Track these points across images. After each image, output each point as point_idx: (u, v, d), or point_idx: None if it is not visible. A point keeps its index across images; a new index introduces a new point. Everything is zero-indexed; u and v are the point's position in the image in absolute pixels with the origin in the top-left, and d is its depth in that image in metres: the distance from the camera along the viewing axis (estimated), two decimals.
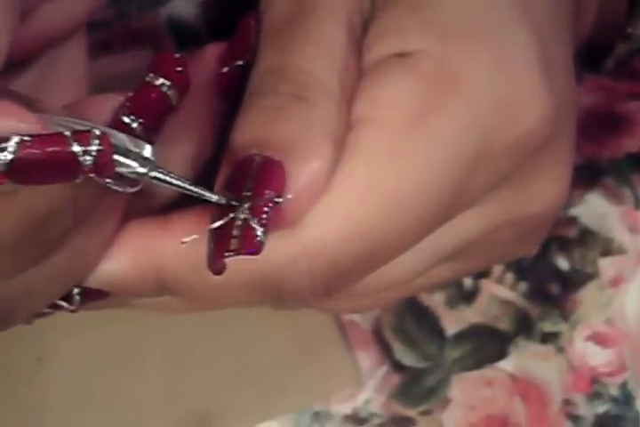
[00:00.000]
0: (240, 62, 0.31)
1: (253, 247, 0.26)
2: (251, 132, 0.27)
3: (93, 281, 0.28)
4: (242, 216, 0.26)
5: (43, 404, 0.41)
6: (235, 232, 0.26)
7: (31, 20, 0.29)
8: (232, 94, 0.31)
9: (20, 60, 0.30)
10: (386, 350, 0.43)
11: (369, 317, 0.43)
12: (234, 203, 0.26)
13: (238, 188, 0.26)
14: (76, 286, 0.28)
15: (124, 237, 0.28)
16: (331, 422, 0.42)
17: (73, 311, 0.29)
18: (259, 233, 0.26)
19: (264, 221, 0.26)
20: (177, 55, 0.29)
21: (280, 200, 0.26)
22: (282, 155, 0.26)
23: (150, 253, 0.28)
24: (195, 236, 0.27)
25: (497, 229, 0.31)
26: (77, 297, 0.28)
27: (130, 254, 0.28)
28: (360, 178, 0.27)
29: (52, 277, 0.27)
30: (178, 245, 0.27)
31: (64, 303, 0.28)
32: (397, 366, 0.43)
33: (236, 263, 0.26)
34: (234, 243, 0.26)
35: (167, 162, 0.29)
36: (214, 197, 0.26)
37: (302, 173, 0.26)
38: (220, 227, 0.26)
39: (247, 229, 0.26)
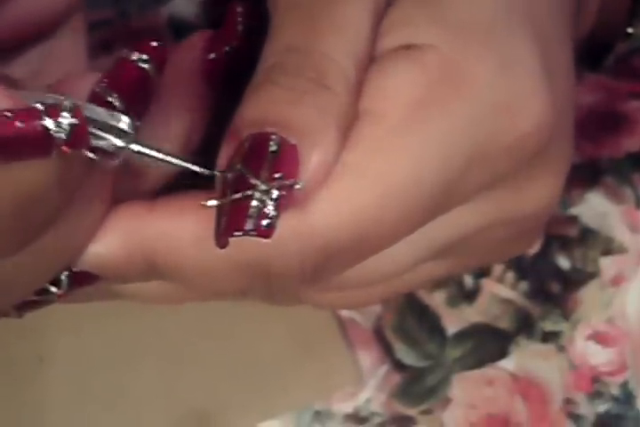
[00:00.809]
0: (227, 49, 0.31)
1: (268, 231, 0.26)
2: (270, 108, 0.27)
3: (82, 263, 0.28)
4: (259, 197, 0.26)
5: (43, 402, 0.41)
6: (251, 213, 0.26)
7: (11, 5, 0.29)
8: (219, 81, 0.31)
9: (7, 47, 0.30)
10: (386, 349, 0.43)
11: (370, 316, 0.43)
12: (216, 172, 0.26)
13: (255, 165, 0.26)
14: (64, 269, 0.28)
15: (113, 219, 0.28)
16: (332, 421, 0.42)
17: (60, 297, 0.28)
18: (273, 217, 0.26)
19: (279, 206, 0.26)
20: (154, 44, 0.29)
21: (294, 185, 0.26)
22: (298, 139, 0.26)
23: (138, 234, 0.28)
24: (215, 202, 0.26)
25: (490, 228, 0.31)
26: (65, 281, 0.28)
27: (118, 235, 0.28)
28: (356, 167, 0.27)
29: (40, 260, 0.27)
30: (165, 225, 0.28)
31: (52, 288, 0.28)
32: (398, 366, 0.43)
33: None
34: (249, 224, 0.26)
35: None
36: (196, 168, 0.27)
37: (313, 160, 0.27)
38: (236, 204, 0.26)
39: (264, 212, 0.26)
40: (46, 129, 0.24)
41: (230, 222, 0.26)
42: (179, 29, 0.43)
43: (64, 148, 0.24)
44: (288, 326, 0.42)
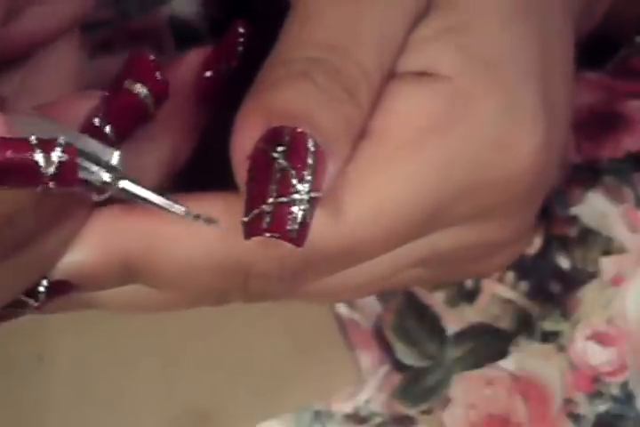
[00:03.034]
0: (224, 68, 0.31)
1: (303, 240, 0.26)
2: (306, 105, 0.27)
3: (59, 273, 0.28)
4: (302, 204, 0.26)
5: (43, 402, 0.41)
6: (295, 219, 0.26)
7: (17, 22, 0.29)
8: (213, 98, 0.31)
9: (5, 61, 0.30)
10: (387, 350, 0.43)
11: (370, 316, 0.43)
12: (198, 216, 0.26)
13: (300, 166, 0.26)
14: (42, 281, 0.28)
15: (89, 225, 0.27)
16: (331, 421, 0.42)
17: (37, 308, 0.28)
18: (308, 225, 0.26)
19: (312, 214, 0.26)
20: (152, 57, 0.29)
21: (322, 193, 0.26)
22: (324, 144, 0.26)
23: (116, 236, 0.27)
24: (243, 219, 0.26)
25: (469, 248, 0.32)
26: (43, 292, 0.28)
27: (95, 241, 0.27)
28: (353, 182, 0.27)
29: (12, 276, 0.26)
30: (144, 226, 0.27)
31: (29, 300, 0.28)
32: (398, 366, 0.43)
33: (206, 244, 0.27)
34: (292, 231, 0.25)
35: (139, 164, 0.29)
36: (181, 211, 0.26)
37: (330, 170, 0.27)
38: (281, 207, 0.26)
39: (306, 221, 0.26)
40: (36, 163, 0.23)
41: (274, 225, 0.25)
42: (179, 30, 0.43)
43: (51, 184, 0.24)
44: (288, 327, 0.42)
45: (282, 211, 0.26)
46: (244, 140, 0.27)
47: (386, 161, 0.28)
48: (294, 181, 0.26)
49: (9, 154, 0.23)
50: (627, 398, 0.43)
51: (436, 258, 0.32)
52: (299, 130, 0.26)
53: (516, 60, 0.29)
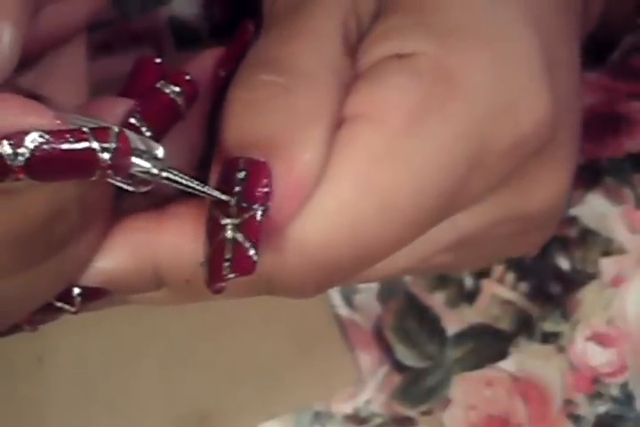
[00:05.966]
0: (237, 67, 0.31)
1: (247, 269, 0.25)
2: (232, 129, 0.27)
3: (94, 280, 0.28)
4: (230, 235, 0.26)
5: (43, 403, 0.41)
6: (227, 254, 0.26)
7: (37, 20, 0.29)
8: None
9: (22, 62, 0.30)
10: (386, 350, 0.43)
11: (370, 317, 0.43)
12: (244, 204, 0.26)
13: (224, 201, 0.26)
14: (77, 287, 0.28)
15: (120, 234, 0.28)
16: (331, 421, 0.42)
17: (74, 313, 0.29)
18: (250, 251, 0.26)
19: (255, 238, 0.26)
20: (158, 60, 0.29)
21: (268, 207, 0.26)
22: (266, 153, 0.26)
23: (147, 248, 0.28)
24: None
25: (496, 225, 0.31)
26: (78, 298, 0.28)
27: (127, 250, 0.28)
28: (353, 177, 0.27)
29: (46, 279, 0.27)
30: (174, 238, 0.27)
31: (66, 306, 0.28)
32: (398, 366, 0.43)
33: None
34: (226, 268, 0.25)
35: None
36: (224, 198, 0.26)
37: (289, 171, 0.26)
38: (213, 253, 0.26)
39: (239, 249, 0.25)
40: (94, 152, 0.24)
41: (213, 271, 0.26)
42: (179, 30, 0.43)
43: (108, 171, 0.24)
44: (288, 328, 0.42)
45: (213, 259, 0.26)
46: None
47: (385, 150, 0.27)
48: (220, 220, 0.26)
49: (67, 145, 0.23)
50: (627, 398, 0.43)
51: (464, 241, 0.31)
52: (226, 161, 0.26)
53: (496, 18, 0.29)
